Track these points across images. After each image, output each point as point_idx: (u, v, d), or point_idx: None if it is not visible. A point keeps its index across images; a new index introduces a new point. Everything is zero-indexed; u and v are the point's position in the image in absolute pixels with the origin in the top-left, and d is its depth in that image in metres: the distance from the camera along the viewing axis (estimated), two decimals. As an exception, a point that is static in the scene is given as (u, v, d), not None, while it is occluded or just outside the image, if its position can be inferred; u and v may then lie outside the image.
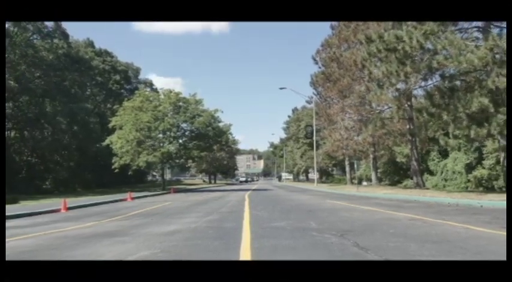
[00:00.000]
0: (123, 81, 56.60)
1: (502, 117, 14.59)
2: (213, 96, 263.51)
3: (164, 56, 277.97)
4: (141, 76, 66.39)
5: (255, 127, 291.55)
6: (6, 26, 31.67)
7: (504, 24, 17.33)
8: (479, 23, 17.22)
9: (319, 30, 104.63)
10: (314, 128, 42.79)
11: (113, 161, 34.05)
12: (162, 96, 37.28)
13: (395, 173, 36.42)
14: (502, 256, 4.44)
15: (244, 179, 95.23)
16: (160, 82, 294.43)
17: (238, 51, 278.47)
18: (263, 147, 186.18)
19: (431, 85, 18.61)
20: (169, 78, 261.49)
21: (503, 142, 17.50)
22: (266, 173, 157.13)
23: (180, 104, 36.24)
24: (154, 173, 73.01)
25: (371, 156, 34.74)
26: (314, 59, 41.30)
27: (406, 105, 24.67)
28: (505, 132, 16.36)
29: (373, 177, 34.91)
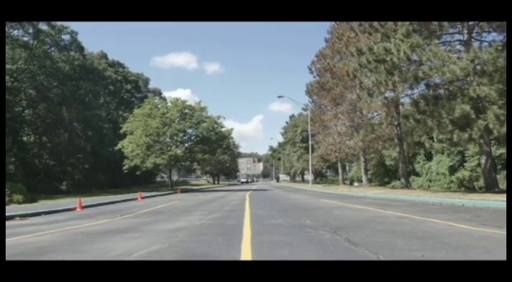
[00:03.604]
0: (133, 90, 56.63)
1: (482, 123, 14.65)
2: (216, 101, 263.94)
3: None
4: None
5: (256, 132, 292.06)
6: (26, 39, 31.82)
7: (485, 37, 17.49)
8: (461, 37, 17.33)
9: (316, 42, 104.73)
10: (309, 133, 42.85)
11: (124, 163, 34.12)
12: (169, 104, 37.39)
13: (384, 175, 36.41)
14: (482, 250, 4.48)
15: (245, 180, 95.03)
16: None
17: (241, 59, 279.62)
18: (263, 150, 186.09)
19: (417, 93, 18.70)
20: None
21: (486, 147, 17.52)
22: (265, 175, 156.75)
23: (186, 111, 36.29)
24: (163, 174, 72.86)
25: (362, 159, 34.74)
26: (310, 69, 41.56)
27: (394, 112, 24.76)
28: (486, 136, 16.44)
29: (364, 178, 34.87)
